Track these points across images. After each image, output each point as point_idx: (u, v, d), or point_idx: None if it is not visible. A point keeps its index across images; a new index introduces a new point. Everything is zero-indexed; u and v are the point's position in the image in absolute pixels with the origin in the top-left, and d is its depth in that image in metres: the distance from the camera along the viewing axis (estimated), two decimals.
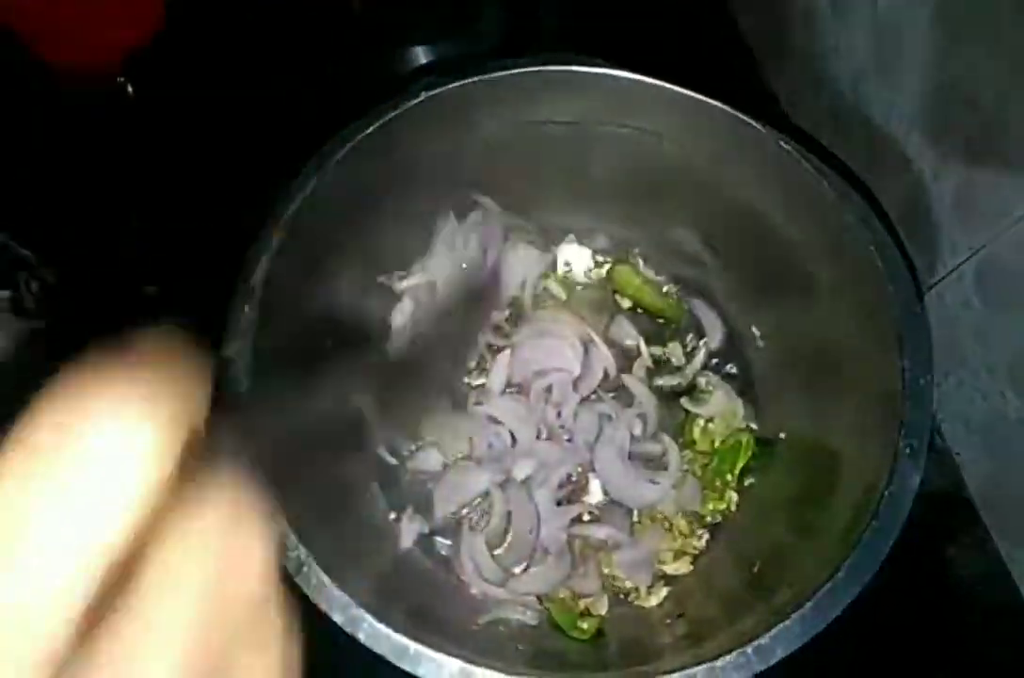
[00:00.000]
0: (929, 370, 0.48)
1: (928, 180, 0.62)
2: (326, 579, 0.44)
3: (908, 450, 0.45)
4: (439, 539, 0.64)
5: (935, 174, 0.61)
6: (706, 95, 0.53)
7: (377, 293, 0.66)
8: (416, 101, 0.53)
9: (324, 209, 0.52)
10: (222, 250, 0.52)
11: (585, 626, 0.60)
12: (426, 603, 0.56)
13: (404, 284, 0.66)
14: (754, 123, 0.52)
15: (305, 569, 0.44)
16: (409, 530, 0.62)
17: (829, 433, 0.56)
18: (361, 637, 0.44)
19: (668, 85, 0.53)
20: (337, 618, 0.44)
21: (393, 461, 0.65)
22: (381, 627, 0.44)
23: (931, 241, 0.63)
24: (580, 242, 0.71)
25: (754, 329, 0.66)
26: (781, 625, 0.43)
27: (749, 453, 0.65)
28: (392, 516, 0.64)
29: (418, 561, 0.62)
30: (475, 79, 0.54)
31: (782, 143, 0.51)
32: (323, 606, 0.44)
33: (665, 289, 0.70)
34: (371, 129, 0.52)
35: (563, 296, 0.71)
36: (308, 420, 0.25)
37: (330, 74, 0.77)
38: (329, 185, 0.52)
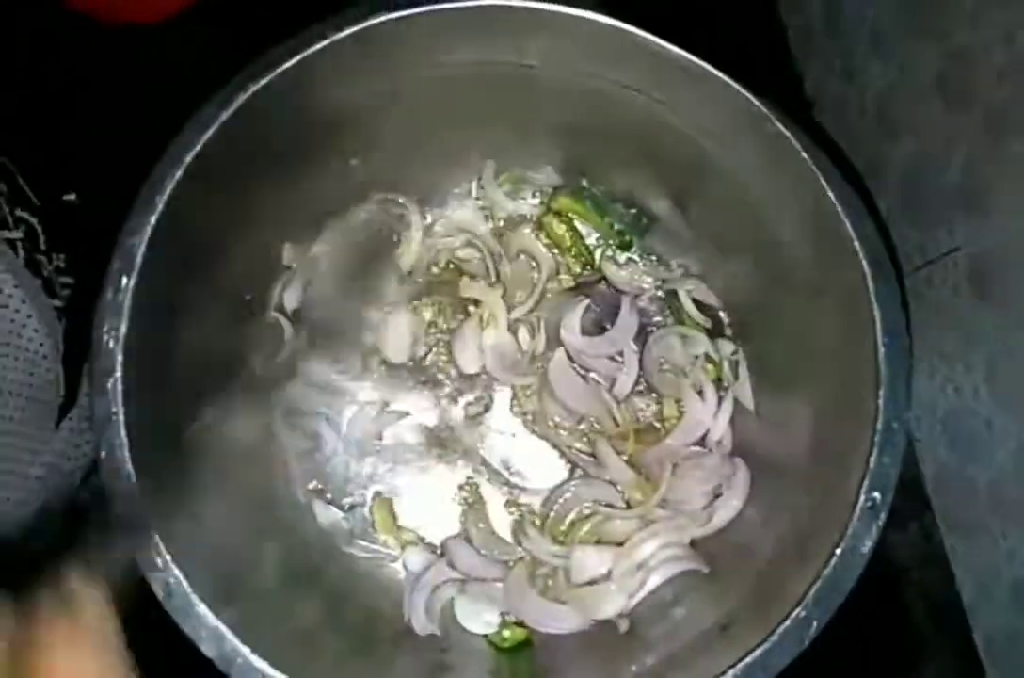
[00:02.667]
0: (906, 408, 0.42)
1: (936, 151, 0.55)
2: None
3: (870, 504, 0.40)
4: None
5: (946, 144, 0.54)
6: (699, 53, 0.44)
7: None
8: (340, 35, 0.43)
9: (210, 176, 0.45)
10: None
11: (507, 634, 0.52)
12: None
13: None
14: (754, 99, 0.43)
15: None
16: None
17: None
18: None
19: (654, 38, 0.44)
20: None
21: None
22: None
23: (929, 217, 0.57)
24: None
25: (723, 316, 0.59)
26: None
27: None
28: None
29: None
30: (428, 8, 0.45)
31: (779, 124, 0.43)
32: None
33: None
34: (278, 71, 0.43)
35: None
36: None
37: None
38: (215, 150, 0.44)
